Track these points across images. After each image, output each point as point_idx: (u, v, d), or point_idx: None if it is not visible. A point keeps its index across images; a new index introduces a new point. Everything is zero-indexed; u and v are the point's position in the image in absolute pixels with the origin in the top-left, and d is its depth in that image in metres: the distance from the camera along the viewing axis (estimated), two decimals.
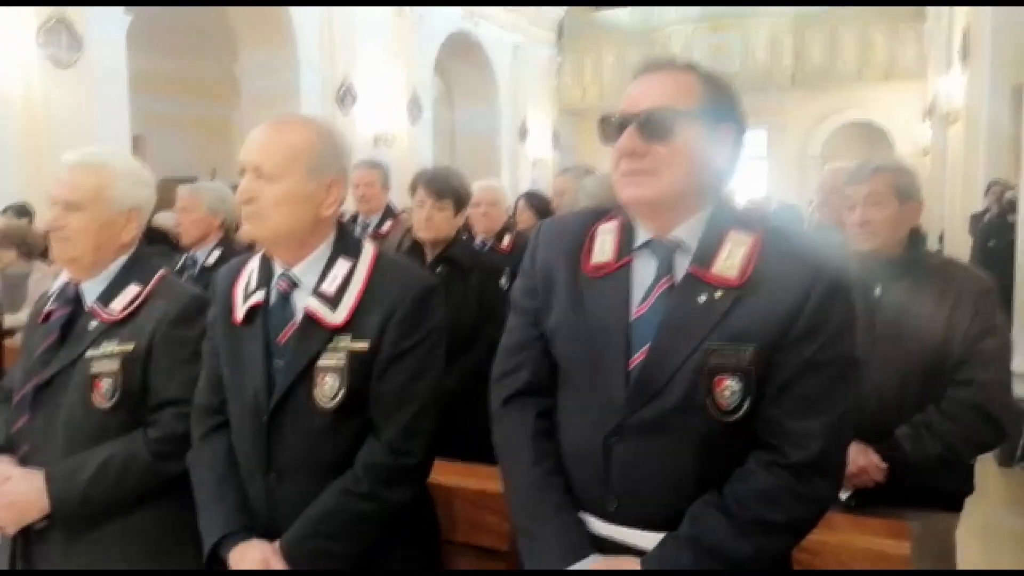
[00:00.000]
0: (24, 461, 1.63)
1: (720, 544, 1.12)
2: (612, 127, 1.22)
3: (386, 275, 1.45)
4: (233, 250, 3.03)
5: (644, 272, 1.23)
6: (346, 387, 1.39)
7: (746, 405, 1.13)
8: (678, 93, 1.18)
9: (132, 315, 1.65)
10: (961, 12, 8.59)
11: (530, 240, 1.40)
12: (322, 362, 1.40)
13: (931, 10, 11.95)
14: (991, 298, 1.89)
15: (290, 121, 1.47)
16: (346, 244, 1.49)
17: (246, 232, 1.44)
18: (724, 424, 1.14)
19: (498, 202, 3.56)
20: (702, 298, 1.16)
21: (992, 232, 6.41)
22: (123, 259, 1.72)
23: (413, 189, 2.63)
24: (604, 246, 1.27)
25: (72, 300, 1.69)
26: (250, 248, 3.14)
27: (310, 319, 1.42)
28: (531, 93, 14.49)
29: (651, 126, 1.16)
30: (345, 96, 9.91)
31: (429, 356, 1.44)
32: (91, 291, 1.69)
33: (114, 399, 1.60)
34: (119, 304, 1.66)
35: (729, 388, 1.12)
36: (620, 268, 1.24)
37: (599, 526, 1.23)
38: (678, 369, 1.14)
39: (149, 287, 1.69)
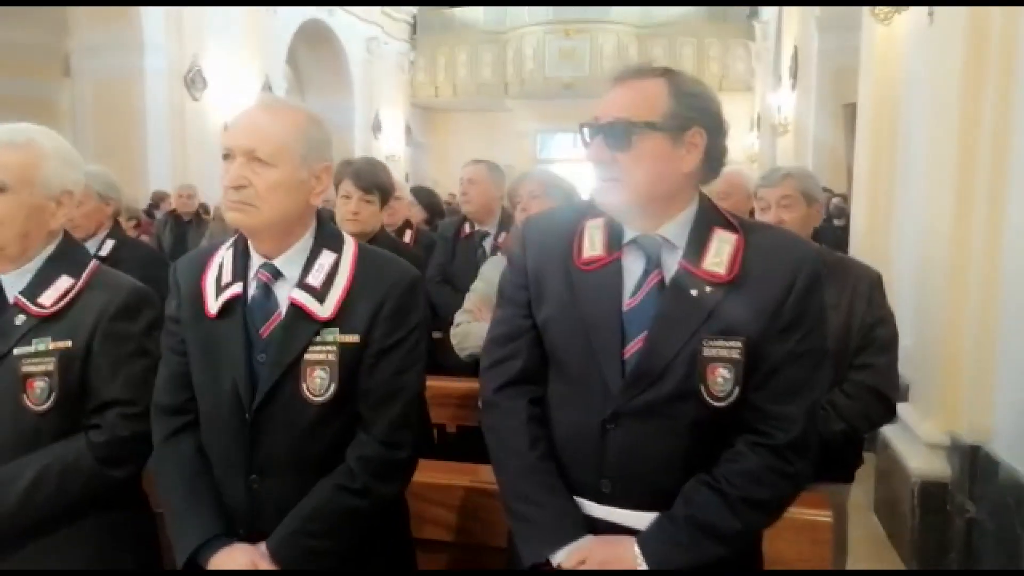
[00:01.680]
0: None
1: (713, 521, 1.22)
2: (583, 135, 1.29)
3: (371, 267, 1.43)
4: (126, 240, 2.81)
5: (633, 266, 1.30)
6: (337, 381, 1.36)
7: (736, 392, 1.23)
8: (640, 103, 1.24)
9: (65, 309, 1.51)
10: (789, 34, 9.45)
11: (515, 236, 1.44)
12: (311, 355, 1.36)
13: (759, 28, 13.03)
14: (881, 288, 2.14)
15: (282, 106, 1.41)
16: (327, 235, 1.45)
17: (233, 220, 1.36)
18: (714, 409, 1.23)
19: (403, 196, 3.54)
20: (694, 292, 1.24)
21: (822, 236, 7.12)
22: (49, 248, 1.57)
23: (337, 181, 2.56)
24: (593, 241, 1.33)
25: None
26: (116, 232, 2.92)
27: (297, 311, 1.37)
28: (385, 87, 14.34)
29: (612, 137, 1.24)
30: (195, 80, 9.35)
31: (416, 348, 1.44)
32: (13, 284, 1.52)
33: (50, 401, 1.46)
34: (49, 298, 1.51)
35: (721, 376, 1.22)
36: (611, 262, 1.30)
37: (592, 508, 1.29)
38: (674, 358, 1.22)
39: (83, 279, 1.55)
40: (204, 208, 7.17)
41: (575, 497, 1.30)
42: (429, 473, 1.85)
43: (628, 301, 1.28)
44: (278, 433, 1.37)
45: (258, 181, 1.33)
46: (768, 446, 1.24)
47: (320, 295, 1.38)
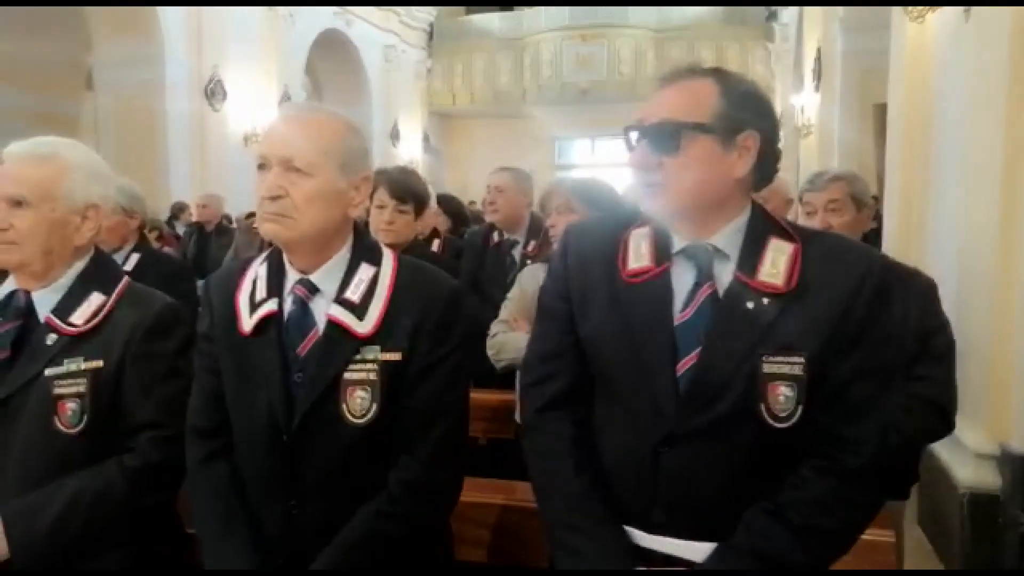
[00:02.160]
0: None
1: (780, 554, 1.13)
2: (628, 139, 1.21)
3: (411, 280, 1.37)
4: (152, 253, 2.77)
5: (683, 278, 1.22)
6: (379, 401, 1.30)
7: (799, 412, 1.14)
8: (690, 104, 1.17)
9: (97, 328, 1.46)
10: (812, 35, 9.32)
11: (558, 245, 1.37)
12: (350, 375, 1.30)
13: (778, 30, 12.89)
14: (936, 296, 2.05)
15: (320, 113, 1.35)
16: (365, 248, 1.39)
17: (269, 232, 1.30)
18: (775, 431, 1.14)
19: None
20: (750, 305, 1.16)
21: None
22: (80, 264, 1.53)
23: (371, 191, 2.50)
24: (640, 251, 1.25)
25: (22, 312, 1.48)
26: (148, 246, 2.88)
27: (335, 328, 1.31)
28: (402, 95, 14.34)
29: (659, 139, 1.16)
30: (215, 91, 9.38)
31: (460, 364, 1.38)
32: (44, 301, 1.48)
33: (81, 424, 1.41)
34: (81, 316, 1.47)
35: (783, 395, 1.13)
36: (660, 274, 1.22)
37: (643, 538, 1.21)
38: (731, 376, 1.14)
39: (115, 295, 1.50)
40: (228, 219, 7.16)
41: (624, 526, 1.21)
42: (464, 491, 1.79)
43: (679, 315, 1.19)
44: (317, 456, 1.30)
45: (295, 192, 1.27)
46: (837, 472, 1.15)
47: (359, 311, 1.32)
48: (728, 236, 1.21)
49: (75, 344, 1.44)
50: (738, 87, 1.20)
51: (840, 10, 7.69)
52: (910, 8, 4.20)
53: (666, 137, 1.16)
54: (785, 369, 1.13)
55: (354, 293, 1.33)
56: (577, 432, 1.27)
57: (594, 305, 1.25)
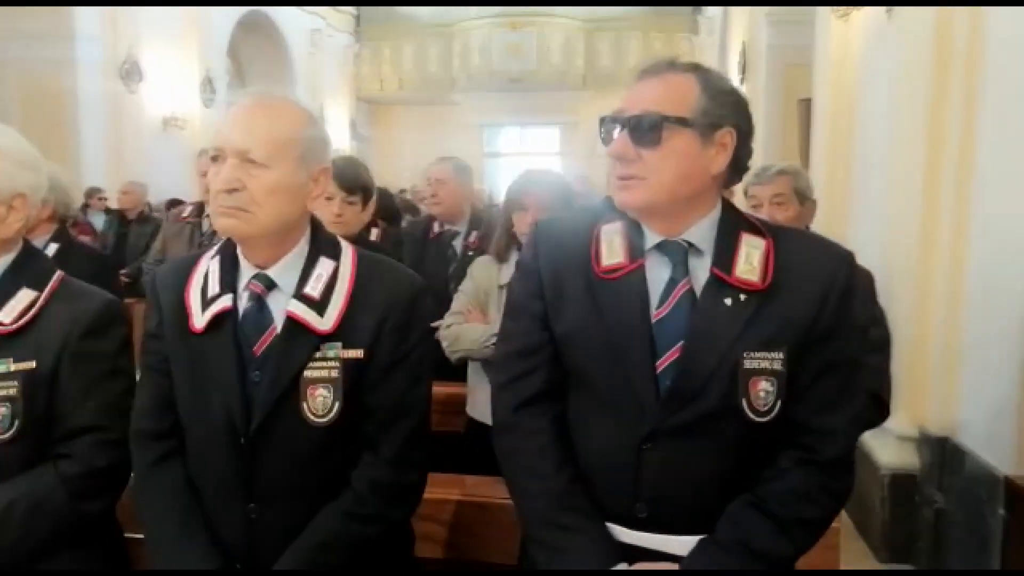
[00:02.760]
0: None
1: (765, 545, 1.16)
2: (605, 130, 1.21)
3: (372, 275, 1.34)
4: (72, 243, 2.62)
5: (657, 273, 1.22)
6: (341, 400, 1.26)
7: (777, 406, 1.17)
8: (672, 97, 1.17)
9: (27, 326, 1.37)
10: (737, 29, 9.55)
11: (527, 242, 1.36)
12: (310, 373, 1.26)
13: (703, 23, 13.16)
14: (873, 287, 2.13)
15: (278, 102, 1.30)
16: (323, 242, 1.35)
17: (225, 227, 1.25)
18: (755, 425, 1.17)
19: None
20: (728, 301, 1.18)
21: None
22: (7, 258, 1.43)
23: None
24: (613, 247, 1.24)
25: None
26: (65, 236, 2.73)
27: (294, 325, 1.27)
28: (329, 80, 14.01)
29: (639, 131, 1.16)
30: (131, 72, 8.94)
31: (423, 361, 1.36)
32: None
33: (13, 429, 1.33)
34: (9, 313, 1.37)
35: (764, 390, 1.16)
36: (635, 270, 1.22)
37: (626, 534, 1.21)
38: (713, 372, 1.16)
39: (47, 291, 1.41)
40: (149, 206, 6.85)
41: (607, 523, 1.22)
42: None
43: (656, 311, 1.20)
44: (277, 458, 1.26)
45: (253, 184, 1.22)
46: (816, 462, 1.19)
47: (319, 307, 1.28)
48: (701, 231, 1.22)
49: (3, 344, 1.35)
50: (718, 84, 1.20)
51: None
52: (836, 6, 4.34)
53: (648, 129, 1.15)
54: (765, 364, 1.16)
55: (314, 288, 1.29)
56: (555, 429, 1.26)
57: (569, 302, 1.25)
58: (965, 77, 2.91)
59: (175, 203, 8.15)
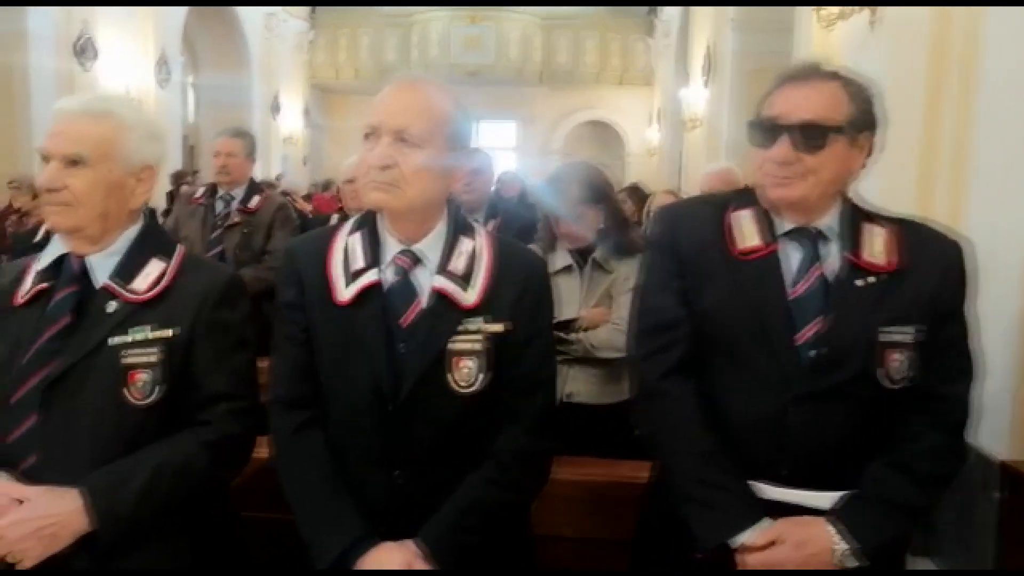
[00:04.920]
0: (31, 475, 1.31)
1: (906, 499, 1.30)
2: (764, 133, 1.32)
3: (508, 253, 1.41)
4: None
5: (791, 256, 1.36)
6: (486, 371, 1.32)
7: (910, 374, 1.31)
8: (829, 106, 1.30)
9: (161, 295, 1.39)
10: (701, 32, 9.80)
11: (655, 227, 1.46)
12: (455, 345, 1.32)
13: (659, 26, 13.45)
14: None
15: (427, 84, 1.36)
16: (460, 221, 1.41)
17: (377, 200, 1.30)
18: (887, 391, 1.31)
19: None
20: (860, 282, 1.32)
21: None
22: (135, 228, 1.45)
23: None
24: (746, 232, 1.37)
25: (76, 277, 1.39)
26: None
27: (440, 299, 1.33)
28: (284, 67, 13.76)
29: (806, 140, 1.29)
30: (85, 49, 8.63)
31: (551, 336, 1.43)
32: (100, 266, 1.40)
33: (154, 395, 1.35)
34: (143, 282, 1.39)
35: (897, 360, 1.30)
36: (770, 253, 1.35)
37: (770, 491, 1.32)
38: (853, 344, 1.29)
39: (175, 261, 1.44)
40: None
41: (751, 481, 1.33)
42: None
43: (792, 290, 1.32)
44: (422, 426, 1.32)
45: (405, 162, 1.28)
46: (947, 425, 1.33)
47: (464, 282, 1.34)
48: (830, 220, 1.37)
49: (139, 312, 1.37)
50: (862, 92, 1.34)
51: (731, 9, 8.14)
52: (822, 15, 4.53)
53: (813, 137, 1.28)
54: (898, 338, 1.30)
55: (457, 264, 1.35)
56: (697, 396, 1.36)
57: (710, 280, 1.36)
58: (958, 82, 3.07)
59: (180, 176, 7.95)
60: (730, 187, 3.18)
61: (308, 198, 10.16)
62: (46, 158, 1.36)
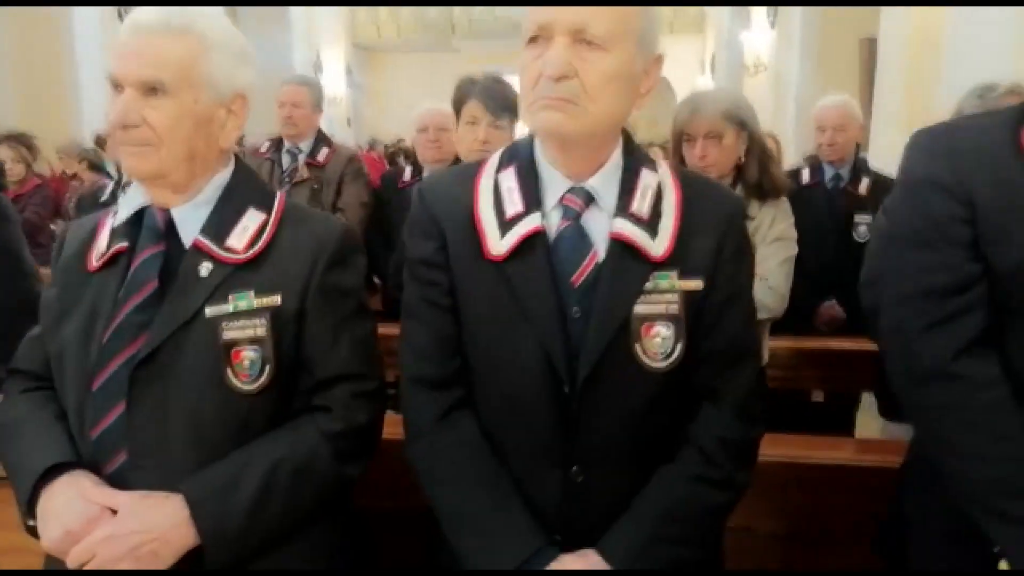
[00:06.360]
0: (121, 477, 1.05)
1: None
2: None
3: (698, 192, 1.10)
4: None
5: None
6: (683, 339, 1.03)
7: None
8: None
9: (263, 254, 1.12)
10: None
11: (911, 158, 1.11)
12: (643, 308, 1.03)
13: None
14: None
15: None
16: (638, 150, 1.11)
17: (549, 121, 0.98)
18: None
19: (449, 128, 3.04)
20: None
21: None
22: (224, 174, 1.17)
23: (459, 104, 2.14)
24: None
25: (161, 234, 1.12)
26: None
27: (622, 250, 1.03)
28: (325, 25, 13.45)
29: None
30: (128, 13, 8.40)
31: (752, 295, 1.14)
32: (188, 220, 1.13)
33: (263, 377, 1.08)
34: (240, 239, 1.12)
35: None
36: None
37: None
38: None
39: (275, 212, 1.16)
40: None
41: None
42: None
43: None
44: (606, 410, 1.04)
45: (588, 71, 0.97)
46: None
47: (650, 227, 1.04)
48: None
49: (238, 275, 1.10)
50: None
51: None
52: None
53: None
54: None
55: (640, 206, 1.05)
56: (1006, 380, 1.02)
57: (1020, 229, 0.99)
58: None
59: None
60: (855, 120, 2.84)
61: None
62: (117, 85, 1.09)
